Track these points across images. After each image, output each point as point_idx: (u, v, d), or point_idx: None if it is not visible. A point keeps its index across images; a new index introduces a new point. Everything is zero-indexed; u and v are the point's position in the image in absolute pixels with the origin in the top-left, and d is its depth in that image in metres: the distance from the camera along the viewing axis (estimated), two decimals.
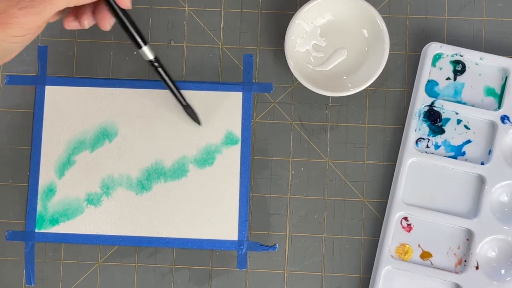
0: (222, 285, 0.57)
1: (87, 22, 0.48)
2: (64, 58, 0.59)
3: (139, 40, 0.50)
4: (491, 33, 0.58)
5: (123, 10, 0.49)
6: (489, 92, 0.57)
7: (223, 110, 0.58)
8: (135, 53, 0.59)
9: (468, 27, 0.58)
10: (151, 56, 0.52)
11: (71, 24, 0.48)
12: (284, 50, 0.55)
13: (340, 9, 0.56)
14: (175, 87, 0.55)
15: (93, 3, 0.48)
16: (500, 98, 0.56)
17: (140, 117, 0.59)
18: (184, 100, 0.56)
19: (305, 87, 0.56)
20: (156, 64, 0.53)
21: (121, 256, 0.58)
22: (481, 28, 0.58)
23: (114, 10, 0.48)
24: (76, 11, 0.48)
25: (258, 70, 0.59)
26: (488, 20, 0.58)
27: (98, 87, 0.59)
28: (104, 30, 0.49)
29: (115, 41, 0.60)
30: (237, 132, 0.58)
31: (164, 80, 0.54)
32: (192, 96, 0.58)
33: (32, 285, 0.58)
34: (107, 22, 0.48)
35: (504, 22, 0.58)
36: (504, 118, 0.56)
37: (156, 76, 0.59)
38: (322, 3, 0.55)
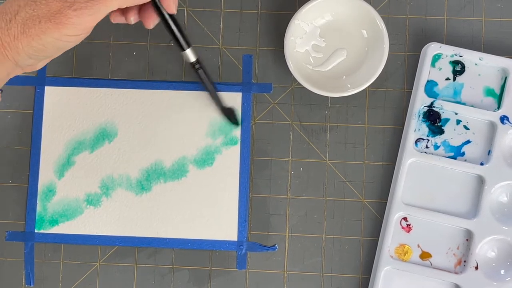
0: (221, 286, 0.57)
1: (133, 18, 0.49)
2: (63, 59, 0.59)
3: (183, 43, 0.51)
4: (490, 34, 0.58)
5: (170, 14, 0.49)
6: (489, 92, 0.57)
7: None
8: (134, 53, 0.59)
9: (467, 28, 0.58)
10: (193, 59, 0.52)
11: (117, 19, 0.49)
12: (283, 50, 0.55)
13: (339, 10, 0.56)
14: (215, 89, 0.55)
15: None
16: (499, 98, 0.56)
17: (139, 118, 0.59)
18: (223, 102, 0.57)
19: (304, 87, 0.56)
20: (197, 66, 0.53)
21: (121, 256, 0.58)
22: (480, 28, 0.58)
23: (161, 12, 0.49)
24: (123, 8, 0.49)
25: (257, 70, 0.59)
26: (487, 21, 0.58)
27: (98, 87, 0.59)
28: (148, 28, 0.50)
29: (115, 41, 0.59)
30: (237, 132, 0.58)
31: (204, 83, 0.54)
32: (192, 96, 0.58)
33: (32, 285, 0.58)
34: (152, 21, 0.49)
35: (504, 23, 0.58)
36: (503, 119, 0.56)
37: (158, 77, 0.59)
38: (321, 4, 0.55)
